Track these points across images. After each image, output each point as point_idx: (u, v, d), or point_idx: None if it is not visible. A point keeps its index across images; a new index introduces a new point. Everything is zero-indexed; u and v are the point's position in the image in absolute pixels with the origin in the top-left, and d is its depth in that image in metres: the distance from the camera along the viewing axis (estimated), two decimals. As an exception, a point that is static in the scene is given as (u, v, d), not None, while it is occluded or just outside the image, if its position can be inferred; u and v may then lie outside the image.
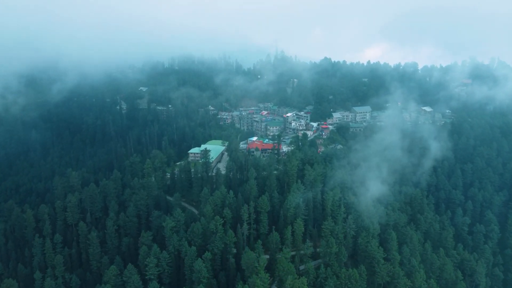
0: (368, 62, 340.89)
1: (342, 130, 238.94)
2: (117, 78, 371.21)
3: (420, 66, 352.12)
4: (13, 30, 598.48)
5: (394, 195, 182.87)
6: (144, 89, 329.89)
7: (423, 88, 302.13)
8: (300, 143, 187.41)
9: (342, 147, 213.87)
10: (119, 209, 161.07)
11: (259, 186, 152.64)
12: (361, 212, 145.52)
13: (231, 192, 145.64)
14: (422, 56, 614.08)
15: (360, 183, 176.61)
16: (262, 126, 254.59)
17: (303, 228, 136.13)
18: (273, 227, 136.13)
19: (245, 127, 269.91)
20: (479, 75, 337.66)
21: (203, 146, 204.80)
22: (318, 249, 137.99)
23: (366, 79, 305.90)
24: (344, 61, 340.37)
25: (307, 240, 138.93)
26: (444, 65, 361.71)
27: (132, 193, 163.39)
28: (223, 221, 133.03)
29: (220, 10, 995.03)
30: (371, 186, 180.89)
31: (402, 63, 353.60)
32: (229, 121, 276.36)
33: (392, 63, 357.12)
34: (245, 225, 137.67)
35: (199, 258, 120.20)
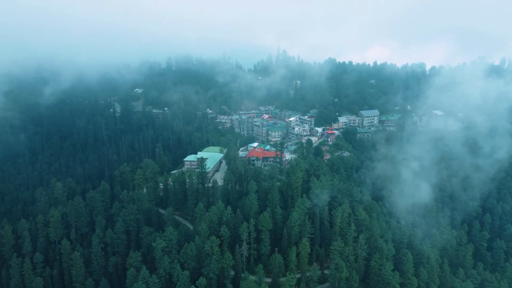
0: (375, 63, 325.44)
1: (349, 136, 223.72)
2: (113, 79, 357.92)
3: (427, 67, 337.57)
4: (2, 27, 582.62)
5: (407, 207, 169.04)
6: (139, 90, 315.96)
7: (432, 90, 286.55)
8: (304, 151, 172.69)
9: (349, 154, 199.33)
10: (106, 225, 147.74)
11: (260, 200, 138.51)
12: (374, 230, 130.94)
13: (229, 207, 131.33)
14: (429, 56, 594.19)
15: (371, 196, 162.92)
16: (263, 131, 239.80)
17: (309, 249, 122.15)
18: (276, 248, 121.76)
19: (245, 132, 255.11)
20: (490, 76, 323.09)
21: (199, 154, 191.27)
22: (325, 271, 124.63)
23: (373, 81, 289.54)
24: (350, 62, 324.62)
25: (314, 263, 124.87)
26: (453, 66, 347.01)
27: (121, 207, 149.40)
28: (219, 241, 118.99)
29: (219, 8, 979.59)
30: (383, 199, 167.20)
31: (409, 63, 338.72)
32: (228, 125, 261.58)
33: (397, 63, 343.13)
34: (244, 245, 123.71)
35: (193, 286, 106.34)
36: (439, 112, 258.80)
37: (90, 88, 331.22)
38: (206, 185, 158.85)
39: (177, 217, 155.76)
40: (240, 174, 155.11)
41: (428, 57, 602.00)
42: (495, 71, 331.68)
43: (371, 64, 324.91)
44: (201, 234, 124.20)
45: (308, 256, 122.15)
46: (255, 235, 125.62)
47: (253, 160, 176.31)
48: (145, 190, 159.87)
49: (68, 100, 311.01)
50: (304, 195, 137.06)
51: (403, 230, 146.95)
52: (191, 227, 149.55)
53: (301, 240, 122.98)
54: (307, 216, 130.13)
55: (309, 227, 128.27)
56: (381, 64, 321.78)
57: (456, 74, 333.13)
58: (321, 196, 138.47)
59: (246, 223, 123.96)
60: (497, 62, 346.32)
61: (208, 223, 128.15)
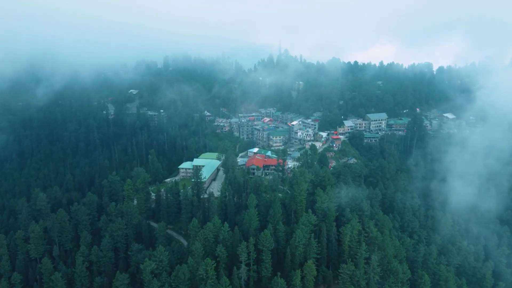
0: (381, 63, 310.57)
1: (355, 141, 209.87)
2: (109, 79, 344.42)
3: (435, 67, 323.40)
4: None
5: (420, 220, 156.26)
6: (134, 91, 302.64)
7: (441, 91, 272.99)
8: (309, 159, 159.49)
9: (356, 161, 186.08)
10: (93, 240, 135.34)
11: (260, 215, 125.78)
12: (387, 249, 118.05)
13: (226, 224, 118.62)
14: (437, 54, 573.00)
15: (382, 208, 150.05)
16: (264, 136, 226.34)
17: (315, 271, 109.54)
18: (278, 272, 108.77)
19: (245, 136, 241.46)
20: (499, 76, 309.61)
21: (195, 161, 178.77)
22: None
23: (380, 82, 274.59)
24: (356, 62, 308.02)
25: (320, 286, 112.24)
26: (462, 66, 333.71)
27: (109, 221, 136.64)
28: (215, 264, 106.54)
29: (218, 5, 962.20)
30: (394, 211, 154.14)
31: (416, 63, 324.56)
32: (227, 129, 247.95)
33: (404, 63, 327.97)
34: (243, 267, 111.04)
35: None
36: (450, 115, 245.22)
37: (84, 89, 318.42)
38: (202, 197, 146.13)
39: (170, 231, 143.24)
40: (239, 184, 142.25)
41: (435, 55, 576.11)
42: (505, 72, 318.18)
43: (377, 64, 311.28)
44: (195, 255, 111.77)
45: (314, 278, 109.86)
46: (255, 255, 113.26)
47: (253, 169, 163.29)
48: (135, 202, 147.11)
49: (61, 101, 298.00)
50: (309, 210, 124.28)
51: (418, 248, 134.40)
52: (185, 242, 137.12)
53: (306, 261, 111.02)
54: (312, 234, 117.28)
55: (315, 246, 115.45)
56: (388, 64, 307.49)
57: (465, 75, 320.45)
58: (328, 210, 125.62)
59: (245, 242, 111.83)
60: (507, 62, 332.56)
61: (202, 241, 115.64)
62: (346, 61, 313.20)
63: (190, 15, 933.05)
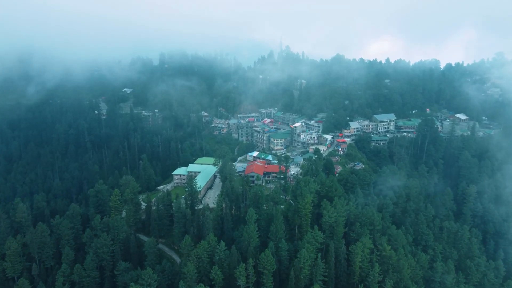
0: (387, 60, 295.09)
1: (362, 144, 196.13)
2: (103, 76, 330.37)
3: (442, 64, 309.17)
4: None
5: (434, 233, 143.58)
6: (128, 90, 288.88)
7: (451, 90, 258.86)
8: (313, 166, 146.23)
9: (363, 166, 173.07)
10: (76, 257, 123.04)
11: (260, 230, 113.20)
12: (403, 271, 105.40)
13: (222, 243, 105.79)
14: (444, 50, 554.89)
15: (392, 219, 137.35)
16: (265, 138, 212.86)
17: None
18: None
19: (244, 138, 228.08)
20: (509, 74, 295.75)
21: (191, 166, 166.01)
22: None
23: (388, 81, 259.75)
24: (362, 59, 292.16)
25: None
26: (470, 63, 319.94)
27: (94, 235, 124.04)
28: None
29: (217, 1, 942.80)
30: (406, 222, 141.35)
31: (422, 60, 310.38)
32: (225, 130, 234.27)
33: (410, 59, 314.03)
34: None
35: None
36: (462, 116, 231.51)
37: (77, 87, 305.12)
38: (196, 207, 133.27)
39: (161, 246, 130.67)
40: (237, 195, 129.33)
41: (442, 51, 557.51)
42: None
43: (383, 62, 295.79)
44: (187, 278, 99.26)
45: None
46: (255, 278, 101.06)
47: (253, 177, 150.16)
48: (124, 213, 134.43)
49: (51, 100, 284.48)
50: (315, 226, 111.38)
51: (435, 266, 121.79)
52: (177, 259, 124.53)
53: (312, 284, 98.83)
54: (319, 254, 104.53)
55: (322, 268, 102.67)
56: (395, 61, 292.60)
57: (474, 72, 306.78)
58: (336, 226, 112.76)
59: (244, 263, 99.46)
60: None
61: (196, 262, 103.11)
62: (351, 59, 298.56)
63: (187, 11, 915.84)
